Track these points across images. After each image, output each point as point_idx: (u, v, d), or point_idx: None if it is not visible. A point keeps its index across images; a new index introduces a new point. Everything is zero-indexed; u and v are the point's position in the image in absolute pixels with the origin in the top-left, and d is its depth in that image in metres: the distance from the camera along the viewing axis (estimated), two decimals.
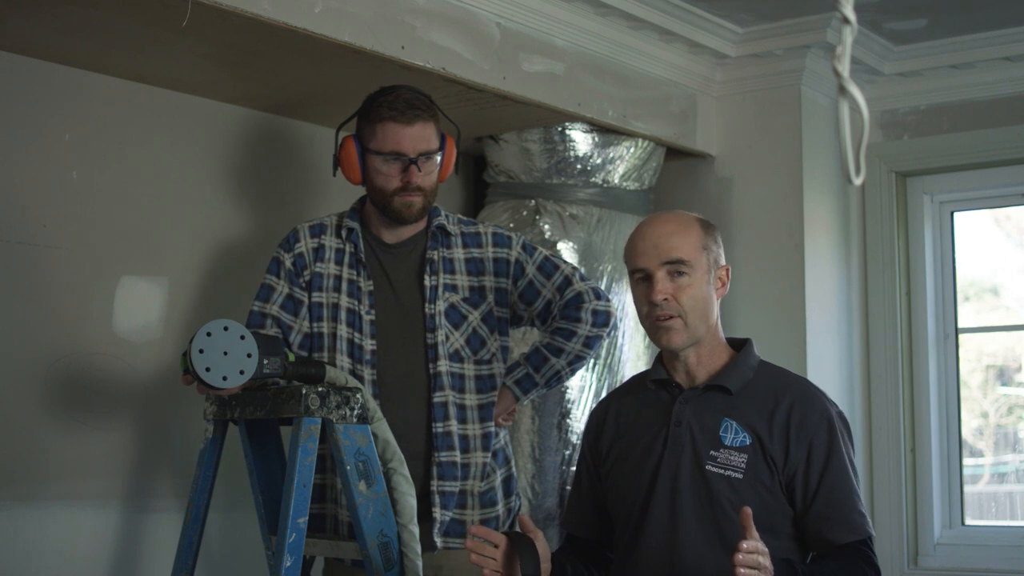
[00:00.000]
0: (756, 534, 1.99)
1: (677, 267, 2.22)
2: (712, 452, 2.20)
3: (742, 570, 1.94)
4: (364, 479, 2.40)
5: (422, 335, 2.67)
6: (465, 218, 2.82)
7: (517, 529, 2.19)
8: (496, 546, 2.16)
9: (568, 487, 3.50)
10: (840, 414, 2.26)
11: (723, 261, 2.31)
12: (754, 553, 1.97)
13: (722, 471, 2.18)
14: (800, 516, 2.19)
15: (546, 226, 3.72)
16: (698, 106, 4.06)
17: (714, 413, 2.24)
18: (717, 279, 2.28)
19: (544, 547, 2.20)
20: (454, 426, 2.64)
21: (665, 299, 2.21)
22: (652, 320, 2.24)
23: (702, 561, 2.18)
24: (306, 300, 2.69)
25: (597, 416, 2.45)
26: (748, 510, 2.00)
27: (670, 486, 2.22)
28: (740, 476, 2.17)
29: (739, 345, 2.33)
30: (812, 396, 2.26)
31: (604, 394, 3.61)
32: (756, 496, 2.17)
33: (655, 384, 2.34)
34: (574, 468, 3.41)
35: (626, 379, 3.60)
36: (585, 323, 2.74)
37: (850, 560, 2.16)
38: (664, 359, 2.33)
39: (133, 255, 3.14)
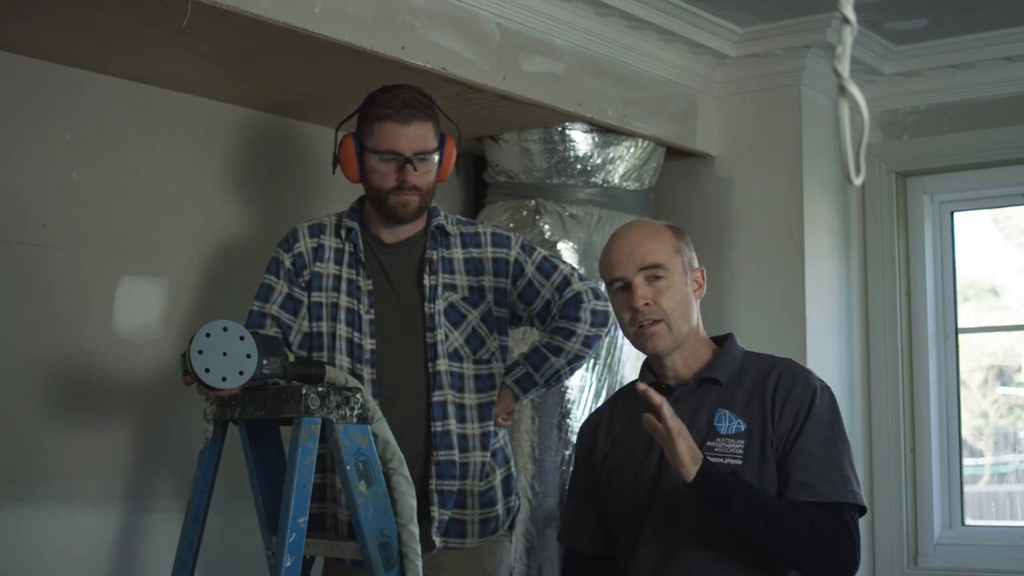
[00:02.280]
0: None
1: (654, 272, 2.24)
2: (710, 443, 2.22)
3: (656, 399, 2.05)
4: (364, 479, 2.40)
5: (421, 334, 2.67)
6: (464, 218, 2.83)
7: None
8: None
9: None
10: (826, 387, 2.28)
11: (696, 264, 2.34)
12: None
13: (721, 460, 2.20)
14: (780, 481, 2.18)
15: (546, 226, 3.72)
16: (698, 106, 4.06)
17: (707, 406, 2.25)
18: (693, 281, 2.31)
19: None
20: (453, 425, 2.64)
21: (646, 304, 2.23)
22: (636, 327, 2.26)
23: (707, 553, 2.19)
24: (305, 300, 2.69)
25: (589, 429, 2.46)
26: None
27: (673, 485, 2.22)
28: (739, 462, 2.19)
29: (721, 342, 2.35)
30: (797, 371, 2.28)
31: (604, 394, 3.62)
32: (757, 479, 2.18)
33: None
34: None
35: (626, 379, 3.62)
36: (584, 323, 2.74)
37: (818, 508, 2.14)
38: (652, 363, 2.35)
39: (133, 255, 3.13)
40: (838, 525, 2.14)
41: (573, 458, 2.59)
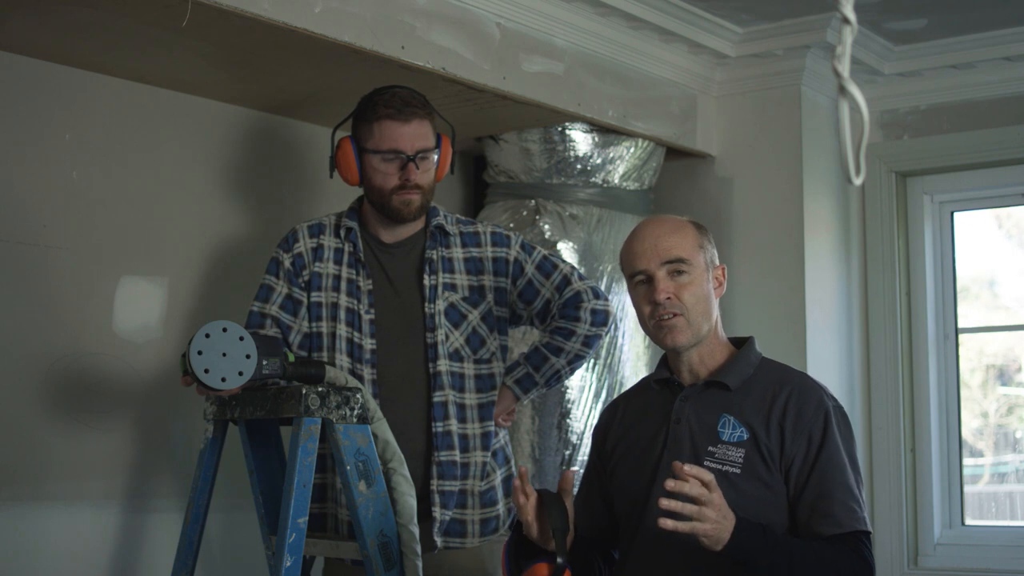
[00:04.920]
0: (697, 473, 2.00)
1: (677, 266, 2.24)
2: (710, 448, 2.21)
3: (665, 501, 1.96)
4: (364, 479, 2.40)
5: (422, 334, 2.67)
6: (464, 218, 2.83)
7: (561, 485, 2.21)
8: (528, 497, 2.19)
9: None
10: (838, 407, 2.26)
11: (718, 261, 2.33)
12: (693, 479, 1.98)
13: (720, 466, 2.19)
14: (791, 509, 2.19)
15: (546, 226, 3.72)
16: (698, 106, 4.06)
17: (713, 409, 2.25)
18: (714, 279, 2.30)
19: (571, 509, 2.22)
20: (454, 425, 2.64)
21: (668, 298, 2.22)
22: (656, 321, 2.25)
23: (698, 558, 2.18)
24: (305, 300, 2.69)
25: (605, 417, 2.47)
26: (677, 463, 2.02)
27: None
28: (738, 471, 2.18)
29: (742, 344, 2.34)
30: (810, 389, 2.26)
31: (604, 394, 3.62)
32: (754, 490, 2.17)
33: (658, 384, 2.35)
34: (574, 468, 3.42)
35: (626, 379, 3.63)
36: (584, 322, 2.74)
37: (837, 548, 2.15)
38: (668, 359, 2.35)
39: (133, 255, 3.14)
40: (858, 561, 2.15)
41: (589, 448, 2.60)
